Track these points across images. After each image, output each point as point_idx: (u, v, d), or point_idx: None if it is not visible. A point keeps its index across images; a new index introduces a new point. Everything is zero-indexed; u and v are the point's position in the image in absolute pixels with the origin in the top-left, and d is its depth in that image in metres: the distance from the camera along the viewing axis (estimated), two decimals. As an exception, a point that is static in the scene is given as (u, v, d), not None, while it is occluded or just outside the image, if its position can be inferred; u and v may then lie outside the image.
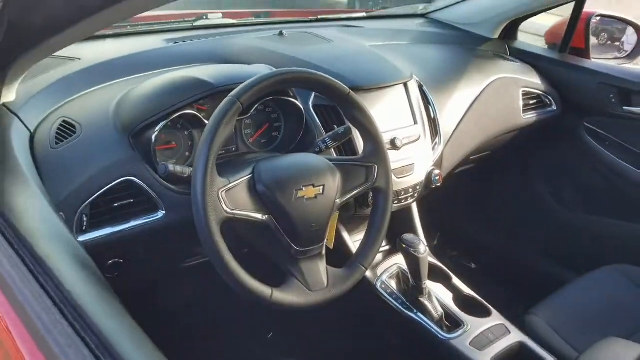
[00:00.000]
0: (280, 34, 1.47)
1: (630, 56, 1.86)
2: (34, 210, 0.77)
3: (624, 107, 1.63)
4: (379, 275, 1.26)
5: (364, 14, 1.92)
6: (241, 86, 0.91)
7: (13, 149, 0.90)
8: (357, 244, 1.08)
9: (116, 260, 1.00)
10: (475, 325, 1.16)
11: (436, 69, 1.54)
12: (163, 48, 1.32)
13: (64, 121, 1.01)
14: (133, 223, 0.98)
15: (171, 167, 0.95)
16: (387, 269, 1.28)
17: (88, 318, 0.52)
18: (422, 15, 1.97)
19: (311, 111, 1.19)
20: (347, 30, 1.70)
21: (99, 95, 1.10)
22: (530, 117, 1.63)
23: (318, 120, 1.18)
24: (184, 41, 1.39)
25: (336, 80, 1.02)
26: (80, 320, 0.51)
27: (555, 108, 1.70)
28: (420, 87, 1.38)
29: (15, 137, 0.93)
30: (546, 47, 1.86)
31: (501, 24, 1.83)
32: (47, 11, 0.78)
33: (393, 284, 1.25)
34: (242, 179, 0.92)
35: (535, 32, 2.10)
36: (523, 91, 1.64)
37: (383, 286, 1.24)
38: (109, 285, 0.67)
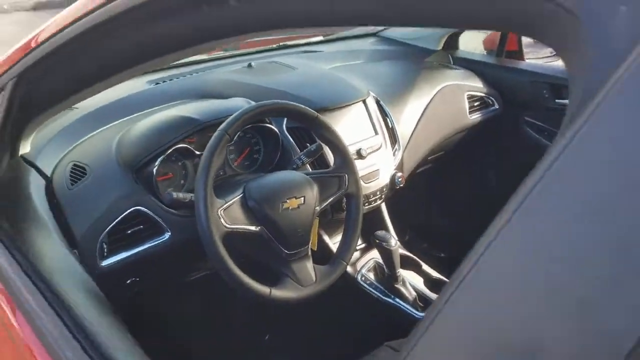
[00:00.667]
0: (249, 65, 1.64)
1: (559, 54, 2.10)
2: (52, 250, 0.92)
3: (557, 100, 1.86)
4: (358, 269, 1.44)
5: (321, 38, 2.11)
6: (228, 120, 1.09)
7: (31, 196, 1.05)
8: (337, 244, 1.26)
9: (134, 278, 1.16)
10: None
11: (389, 84, 1.73)
12: (148, 89, 1.48)
13: (74, 165, 1.16)
14: (145, 246, 1.14)
15: (174, 194, 1.11)
16: (365, 264, 1.46)
17: (103, 346, 0.68)
18: (373, 34, 2.17)
19: (285, 133, 1.36)
20: (308, 55, 1.89)
21: (100, 138, 1.26)
22: (476, 117, 1.84)
23: (292, 141, 1.36)
24: (164, 81, 1.55)
25: (304, 107, 1.20)
26: (90, 343, 0.68)
27: (497, 107, 1.91)
28: (377, 102, 1.58)
29: (33, 186, 1.08)
30: (485, 52, 2.08)
31: (443, 37, 2.05)
32: (61, 79, 0.94)
33: (371, 275, 1.44)
34: (235, 198, 1.09)
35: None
36: (467, 95, 1.84)
37: (363, 278, 1.42)
38: (117, 313, 0.83)
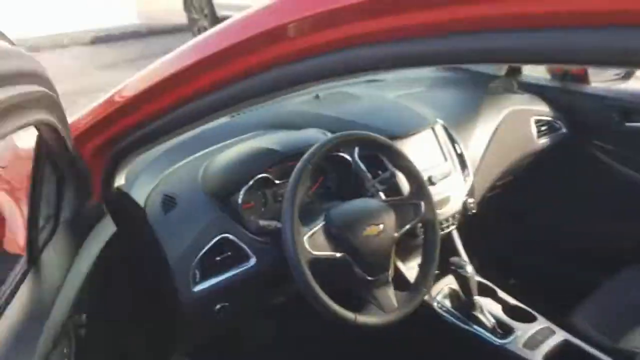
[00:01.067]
0: (317, 96, 1.70)
1: (625, 77, 2.06)
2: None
3: (627, 124, 1.82)
4: (434, 296, 1.44)
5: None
6: (310, 151, 1.13)
7: (77, 253, 1.05)
8: (410, 270, 1.26)
9: (223, 304, 1.20)
10: (524, 330, 1.33)
11: (455, 110, 1.75)
12: (225, 122, 1.55)
13: (165, 195, 1.23)
14: (233, 272, 1.18)
15: (260, 222, 1.15)
16: (440, 290, 1.45)
17: None
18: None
19: (358, 162, 1.39)
20: (372, 84, 1.93)
21: (185, 169, 1.32)
22: (544, 141, 1.83)
23: (364, 169, 1.38)
24: (238, 114, 1.61)
25: (379, 136, 1.24)
26: None
27: (565, 131, 1.89)
28: (445, 129, 1.59)
29: (94, 238, 1.11)
30: (549, 77, 2.06)
31: (505, 62, 2.05)
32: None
33: (447, 302, 1.43)
34: (318, 226, 1.12)
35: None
36: (534, 119, 1.83)
37: (439, 305, 1.42)
38: None
